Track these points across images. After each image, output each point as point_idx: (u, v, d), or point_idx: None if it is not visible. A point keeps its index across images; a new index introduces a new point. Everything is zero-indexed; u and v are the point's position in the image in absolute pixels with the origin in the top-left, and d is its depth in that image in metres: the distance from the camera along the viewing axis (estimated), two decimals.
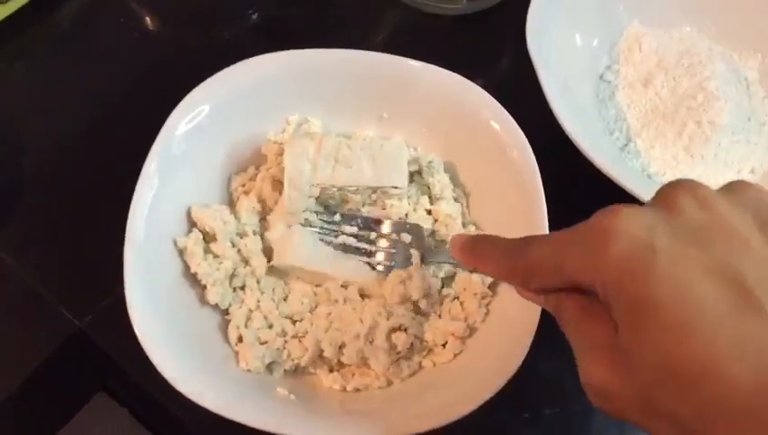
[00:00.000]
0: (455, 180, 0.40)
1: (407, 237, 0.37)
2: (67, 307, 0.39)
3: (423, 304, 0.36)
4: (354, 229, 0.38)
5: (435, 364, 0.35)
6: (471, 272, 0.36)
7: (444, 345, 0.36)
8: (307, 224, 0.38)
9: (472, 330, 0.36)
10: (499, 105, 0.37)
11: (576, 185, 0.36)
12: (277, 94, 0.39)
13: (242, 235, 0.38)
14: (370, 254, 0.38)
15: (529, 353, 0.32)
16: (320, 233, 0.38)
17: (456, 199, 0.39)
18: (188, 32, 0.50)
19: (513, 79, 0.39)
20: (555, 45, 0.41)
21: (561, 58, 0.42)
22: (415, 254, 0.37)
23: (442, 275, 0.37)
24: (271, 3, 0.51)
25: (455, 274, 0.37)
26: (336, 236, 0.38)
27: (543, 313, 0.32)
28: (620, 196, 0.37)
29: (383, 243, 0.38)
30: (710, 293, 0.19)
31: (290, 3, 0.51)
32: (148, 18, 0.50)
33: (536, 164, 0.36)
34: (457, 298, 0.36)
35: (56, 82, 0.46)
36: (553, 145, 0.37)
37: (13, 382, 0.38)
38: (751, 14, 0.46)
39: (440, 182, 0.39)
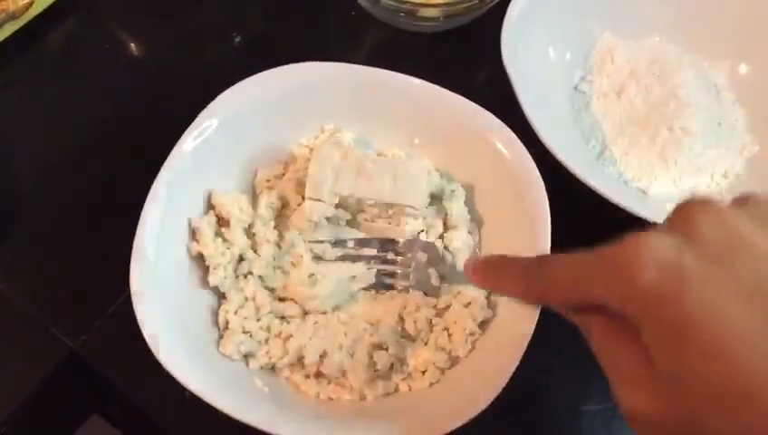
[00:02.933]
0: (471, 212, 0.40)
1: (422, 256, 0.38)
2: (60, 329, 0.39)
3: (411, 329, 0.37)
4: (373, 251, 0.38)
5: (410, 389, 0.36)
6: (487, 295, 0.37)
7: (423, 372, 0.36)
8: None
9: (453, 362, 0.36)
10: (521, 144, 0.38)
11: (555, 195, 0.37)
12: (312, 103, 0.40)
13: (260, 223, 0.39)
14: (392, 274, 0.38)
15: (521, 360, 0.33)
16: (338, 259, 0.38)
17: (469, 232, 0.40)
18: (173, 55, 0.51)
19: (490, 92, 0.40)
20: (530, 59, 0.43)
21: (536, 71, 0.43)
22: (433, 273, 0.38)
23: (440, 306, 0.38)
24: (254, 24, 0.52)
25: (449, 306, 0.38)
26: (353, 262, 0.38)
27: (525, 355, 0.33)
28: (597, 204, 0.38)
29: (400, 262, 0.38)
30: (744, 313, 0.20)
31: (272, 24, 0.52)
32: (132, 44, 0.51)
33: (548, 207, 0.36)
34: (447, 330, 0.37)
35: (46, 106, 0.47)
36: (532, 155, 0.38)
37: (5, 409, 0.38)
38: (718, 23, 0.48)
39: (457, 212, 0.39)
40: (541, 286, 0.27)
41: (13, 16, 0.47)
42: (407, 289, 0.38)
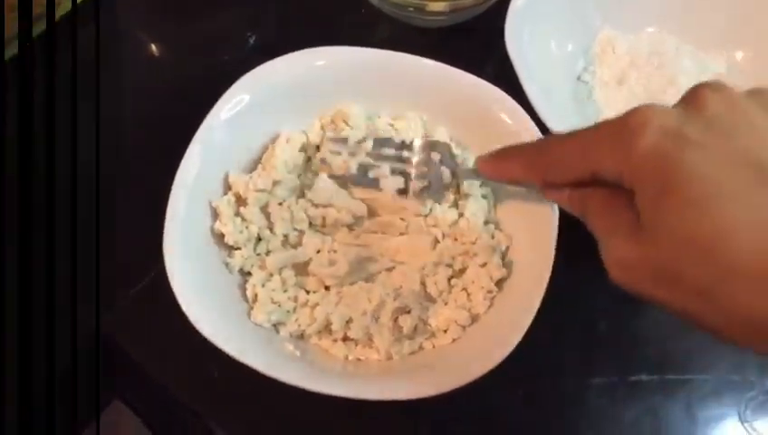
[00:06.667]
0: (484, 181, 0.41)
1: (436, 156, 0.39)
2: (85, 309, 0.41)
3: (432, 290, 0.39)
4: (392, 151, 0.40)
5: (434, 346, 0.38)
6: (502, 256, 0.39)
7: (445, 331, 0.38)
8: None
9: (474, 319, 0.38)
10: (524, 113, 0.40)
11: None
12: (329, 84, 0.42)
13: (274, 202, 0.40)
14: (407, 174, 0.40)
15: (526, 334, 0.34)
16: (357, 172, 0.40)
17: (483, 196, 0.41)
18: (192, 56, 0.53)
19: (497, 83, 0.42)
20: (534, 51, 0.45)
21: (539, 62, 0.45)
22: (446, 172, 0.39)
23: (457, 267, 0.40)
24: (268, 25, 0.54)
25: (467, 268, 0.39)
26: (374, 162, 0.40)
27: (534, 325, 0.35)
28: None
29: (415, 161, 0.40)
30: (731, 173, 0.22)
31: (285, 24, 0.54)
32: (153, 46, 0.53)
33: None
34: (465, 289, 0.39)
35: (73, 103, 0.48)
36: None
37: (29, 389, 0.39)
38: (713, 15, 0.49)
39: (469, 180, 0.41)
40: (545, 162, 0.29)
41: (40, 17, 0.49)
42: (420, 192, 0.39)
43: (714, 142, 0.23)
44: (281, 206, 0.40)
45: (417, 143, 0.40)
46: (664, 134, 0.23)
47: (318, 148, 0.43)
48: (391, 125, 0.43)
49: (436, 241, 0.40)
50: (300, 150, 0.42)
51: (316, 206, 0.40)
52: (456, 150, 0.41)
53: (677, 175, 0.22)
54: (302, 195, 0.42)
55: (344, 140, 0.41)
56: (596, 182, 0.27)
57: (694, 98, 0.25)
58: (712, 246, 0.21)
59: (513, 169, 0.31)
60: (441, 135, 0.42)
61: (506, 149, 0.33)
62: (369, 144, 0.40)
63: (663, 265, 0.23)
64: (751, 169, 0.22)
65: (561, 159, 0.28)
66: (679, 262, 0.22)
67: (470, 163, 0.39)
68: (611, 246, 0.25)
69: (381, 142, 0.40)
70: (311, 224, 0.41)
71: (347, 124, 0.43)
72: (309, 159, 0.43)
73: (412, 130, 0.43)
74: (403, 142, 0.40)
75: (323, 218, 0.40)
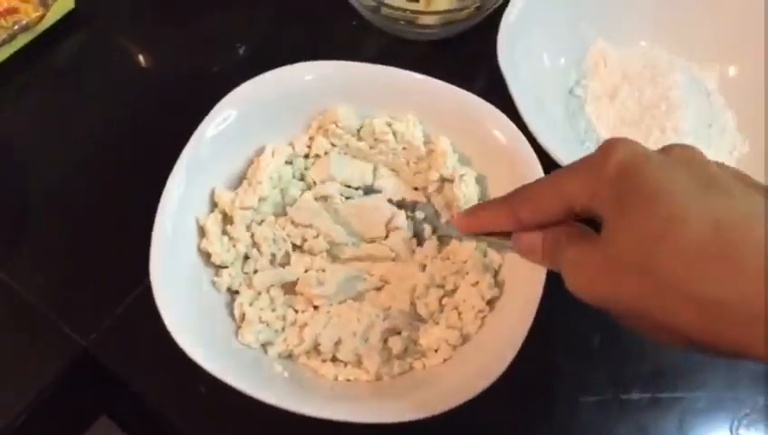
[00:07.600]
0: (483, 194, 0.41)
1: (420, 214, 0.41)
2: (71, 326, 0.41)
3: (423, 312, 0.38)
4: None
5: (425, 366, 0.38)
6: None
7: (436, 350, 0.38)
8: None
9: (465, 339, 0.38)
10: (516, 128, 0.40)
11: None
12: (321, 99, 0.42)
13: (259, 221, 0.40)
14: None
15: (518, 352, 0.34)
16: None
17: None
18: (181, 67, 0.52)
19: (489, 97, 0.42)
20: (526, 65, 0.45)
21: (531, 76, 0.45)
22: (427, 228, 0.41)
23: (449, 287, 0.39)
24: (256, 36, 0.54)
25: (458, 287, 0.39)
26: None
27: (525, 346, 0.34)
28: None
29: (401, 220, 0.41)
30: (685, 181, 0.25)
31: (274, 35, 0.54)
32: (140, 55, 0.53)
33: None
34: (456, 308, 0.38)
35: (59, 113, 0.49)
36: None
37: (15, 408, 0.39)
38: (706, 28, 0.49)
39: (466, 196, 0.40)
40: (519, 201, 0.30)
41: (26, 27, 0.48)
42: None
43: (674, 165, 0.26)
44: (262, 225, 0.40)
45: (404, 201, 0.42)
46: (632, 153, 0.26)
47: (306, 156, 0.43)
48: (389, 124, 0.42)
49: (424, 266, 0.40)
50: (286, 163, 0.41)
51: (296, 225, 0.40)
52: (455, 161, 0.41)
53: (638, 184, 0.25)
54: (283, 212, 0.41)
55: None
56: (569, 220, 0.29)
57: (663, 147, 0.27)
58: (665, 232, 0.24)
59: (487, 217, 0.33)
60: (444, 144, 0.41)
61: (479, 203, 0.35)
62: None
63: (618, 259, 0.25)
64: (702, 181, 0.25)
65: (536, 196, 0.30)
66: (635, 251, 0.24)
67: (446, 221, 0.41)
68: (570, 255, 0.28)
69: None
70: (294, 246, 0.40)
71: (337, 126, 0.42)
72: (294, 177, 0.42)
73: (410, 132, 0.42)
74: (390, 200, 0.41)
75: (303, 239, 0.40)
